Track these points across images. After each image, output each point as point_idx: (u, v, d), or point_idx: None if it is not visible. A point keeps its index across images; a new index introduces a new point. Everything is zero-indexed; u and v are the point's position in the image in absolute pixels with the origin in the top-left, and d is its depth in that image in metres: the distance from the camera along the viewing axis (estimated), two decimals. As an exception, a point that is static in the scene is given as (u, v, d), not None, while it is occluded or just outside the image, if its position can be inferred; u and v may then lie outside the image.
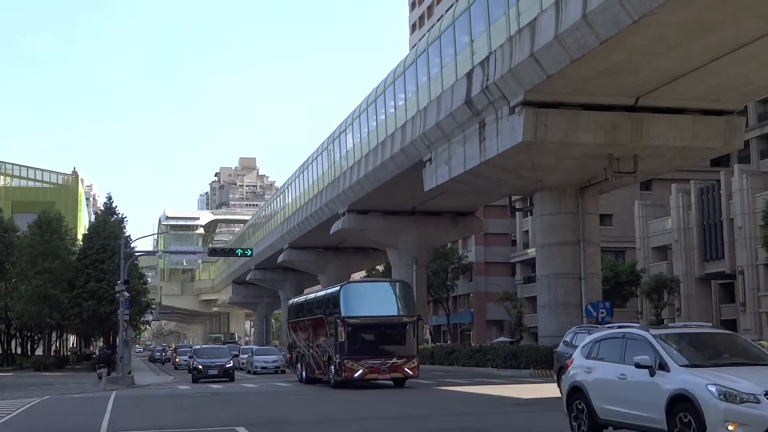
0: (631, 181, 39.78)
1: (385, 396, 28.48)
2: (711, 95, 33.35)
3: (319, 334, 35.15)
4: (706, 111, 34.78)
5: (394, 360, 32.09)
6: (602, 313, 38.63)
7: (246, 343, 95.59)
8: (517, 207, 52.80)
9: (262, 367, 52.43)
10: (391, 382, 33.06)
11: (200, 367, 44.22)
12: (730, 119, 35.48)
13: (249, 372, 53.42)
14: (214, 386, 37.99)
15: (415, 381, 33.90)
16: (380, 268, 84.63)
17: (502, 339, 72.00)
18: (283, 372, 50.04)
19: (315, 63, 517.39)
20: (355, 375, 31.75)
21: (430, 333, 78.80)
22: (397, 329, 32.73)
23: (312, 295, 39.83)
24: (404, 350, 32.57)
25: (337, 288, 33.82)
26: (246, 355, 58.70)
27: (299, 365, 38.97)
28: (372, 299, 33.22)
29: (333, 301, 33.59)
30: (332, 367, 32.74)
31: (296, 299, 43.42)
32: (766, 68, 30.44)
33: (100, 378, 41.57)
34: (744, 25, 25.93)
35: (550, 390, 26.43)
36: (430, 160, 42.62)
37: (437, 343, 75.63)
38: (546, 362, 37.24)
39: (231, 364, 44.98)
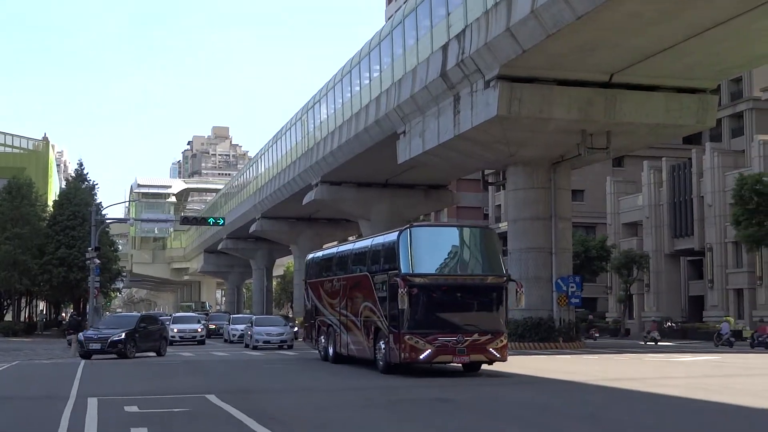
0: (604, 157, 40.02)
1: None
2: (685, 73, 33.57)
3: (360, 299, 26.34)
4: (679, 89, 35.01)
5: (476, 336, 23.16)
6: (572, 287, 38.99)
7: (217, 312, 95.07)
8: (490, 181, 52.91)
9: (265, 342, 43.05)
10: (460, 366, 25.11)
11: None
12: (702, 97, 35.74)
13: (247, 346, 44.39)
14: (186, 354, 37.97)
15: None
16: (352, 239, 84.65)
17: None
18: (290, 347, 42.62)
19: (290, 32, 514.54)
20: (421, 356, 22.84)
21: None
22: (480, 294, 23.88)
23: (348, 246, 31.03)
24: (489, 323, 23.59)
25: (395, 234, 24.31)
26: (240, 326, 50.60)
27: (322, 338, 30.47)
28: (446, 252, 24.62)
29: (387, 252, 24.88)
30: (381, 344, 24.20)
31: (321, 252, 34.52)
32: (739, 47, 30.69)
33: (70, 344, 41.43)
34: (719, 4, 26.10)
35: (513, 361, 26.66)
36: (404, 132, 42.63)
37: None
38: (516, 334, 37.51)
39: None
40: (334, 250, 32.26)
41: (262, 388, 21.32)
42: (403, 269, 23.01)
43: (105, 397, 18.45)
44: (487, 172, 50.52)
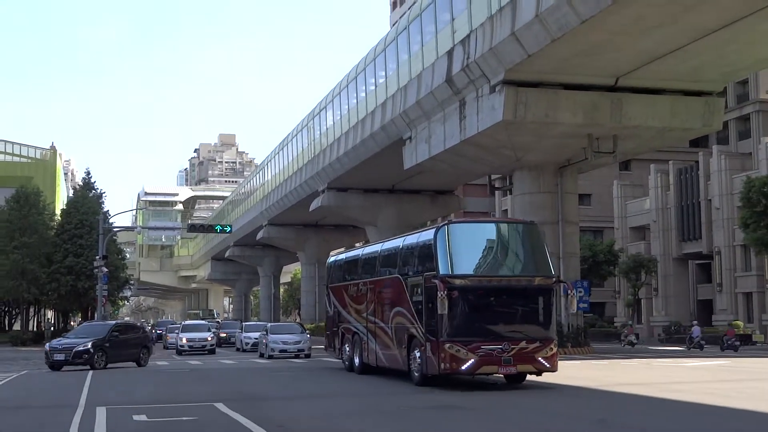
0: (610, 161, 39.95)
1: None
2: (691, 76, 33.49)
3: (390, 304, 24.27)
4: (685, 92, 34.92)
5: (523, 344, 20.87)
6: (580, 292, 38.88)
7: (225, 319, 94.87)
8: (496, 186, 52.83)
9: (281, 351, 39.82)
10: (501, 377, 22.70)
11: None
12: (709, 100, 35.64)
13: (262, 355, 41.45)
14: (193, 362, 37.97)
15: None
16: (359, 245, 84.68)
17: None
18: (307, 356, 39.49)
19: (296, 40, 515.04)
20: (462, 367, 20.49)
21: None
22: (527, 297, 21.67)
23: (375, 247, 28.40)
24: (537, 329, 21.37)
25: (431, 232, 22.12)
26: (253, 334, 47.66)
27: (347, 347, 28.22)
28: (488, 250, 22.49)
29: (422, 252, 22.71)
30: (416, 353, 21.94)
31: (344, 254, 32.15)
32: (745, 49, 30.61)
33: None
34: (724, 5, 26.04)
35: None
36: (410, 138, 42.61)
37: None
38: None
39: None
40: (359, 251, 29.96)
41: (281, 398, 21.22)
42: (442, 270, 20.81)
43: (113, 406, 18.46)
44: (493, 177, 50.48)
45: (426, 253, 22.14)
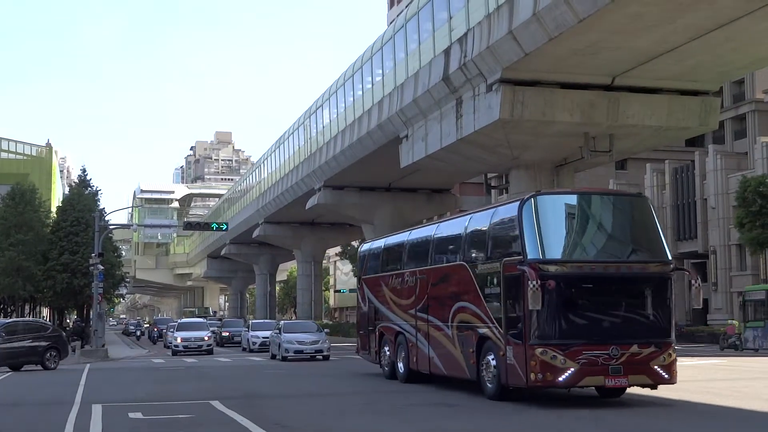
0: (607, 160, 39.93)
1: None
2: (687, 75, 33.49)
3: (451, 298, 20.08)
4: (682, 91, 34.92)
5: (635, 349, 16.63)
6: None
7: (221, 318, 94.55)
8: (492, 184, 52.95)
9: (296, 351, 36.23)
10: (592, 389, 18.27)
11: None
12: (705, 100, 35.66)
13: (273, 357, 38.07)
14: (189, 360, 37.94)
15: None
16: (356, 243, 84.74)
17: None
18: (326, 358, 36.40)
19: (292, 38, 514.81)
20: (560, 378, 16.32)
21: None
22: (639, 288, 17.29)
23: (427, 230, 23.58)
24: (651, 330, 17.08)
25: (515, 206, 17.73)
26: (262, 333, 44.95)
27: (387, 350, 24.39)
28: (588, 229, 18.07)
29: (500, 231, 18.37)
30: (491, 359, 17.81)
31: (383, 240, 27.37)
32: (742, 49, 30.60)
33: (74, 351, 41.50)
34: (721, 5, 26.03)
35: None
36: (406, 136, 42.59)
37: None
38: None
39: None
40: (404, 235, 25.02)
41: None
42: (531, 254, 16.58)
43: (109, 403, 18.47)
44: (490, 175, 50.55)
45: (505, 234, 17.93)
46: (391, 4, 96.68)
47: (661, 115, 34.92)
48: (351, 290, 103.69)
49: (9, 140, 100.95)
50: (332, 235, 76.96)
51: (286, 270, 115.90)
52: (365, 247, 28.85)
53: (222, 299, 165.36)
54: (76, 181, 79.27)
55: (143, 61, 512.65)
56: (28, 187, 67.86)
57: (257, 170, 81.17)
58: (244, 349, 46.62)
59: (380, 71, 45.06)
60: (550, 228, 17.23)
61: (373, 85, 46.26)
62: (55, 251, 61.93)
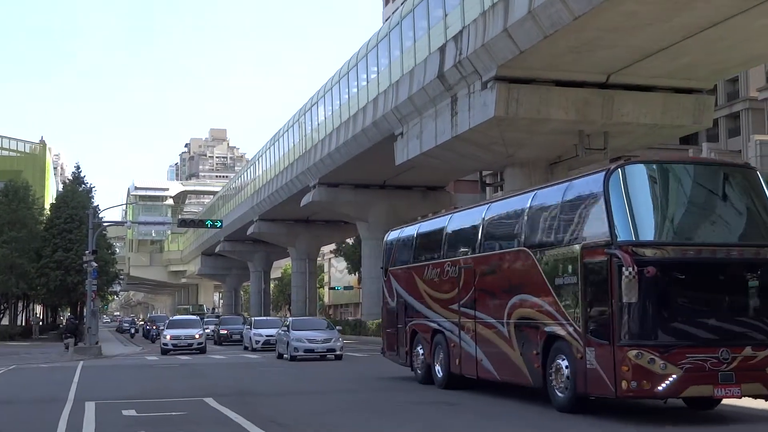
0: (602, 157, 39.88)
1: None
2: (682, 73, 33.51)
3: (508, 289, 17.36)
4: (676, 89, 34.95)
5: (748, 351, 13.82)
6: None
7: (219, 315, 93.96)
8: (487, 182, 52.73)
9: (307, 350, 33.92)
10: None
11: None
12: (699, 98, 35.70)
13: (280, 356, 35.78)
14: (183, 357, 37.89)
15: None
16: (350, 241, 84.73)
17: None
18: (338, 358, 34.00)
19: (288, 35, 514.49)
20: (659, 387, 13.51)
21: None
22: (753, 278, 14.31)
23: (475, 212, 20.16)
24: (767, 329, 14.18)
25: (598, 177, 14.98)
26: (265, 331, 42.72)
27: (420, 350, 21.73)
28: (689, 206, 15.26)
29: (577, 209, 15.54)
30: (563, 363, 15.14)
31: (414, 226, 24.42)
32: (737, 47, 30.62)
33: (67, 348, 41.41)
34: (717, 3, 26.03)
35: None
36: (401, 134, 42.57)
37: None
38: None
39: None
40: (443, 220, 22.04)
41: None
42: (622, 235, 13.93)
43: (103, 400, 18.42)
44: (484, 173, 50.44)
45: (584, 212, 15.25)
46: (386, 2, 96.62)
47: (655, 113, 34.96)
48: (346, 288, 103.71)
49: (3, 137, 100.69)
50: (327, 232, 76.93)
51: (281, 267, 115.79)
52: (393, 235, 25.23)
53: (216, 296, 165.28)
54: (70, 178, 79.11)
55: (138, 59, 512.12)
56: (22, 184, 67.73)
57: (252, 167, 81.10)
58: (245, 348, 44.59)
59: (375, 69, 45.03)
60: (643, 204, 14.47)
61: (368, 82, 46.24)
62: (48, 248, 61.82)
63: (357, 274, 79.60)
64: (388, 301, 24.27)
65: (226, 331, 52.90)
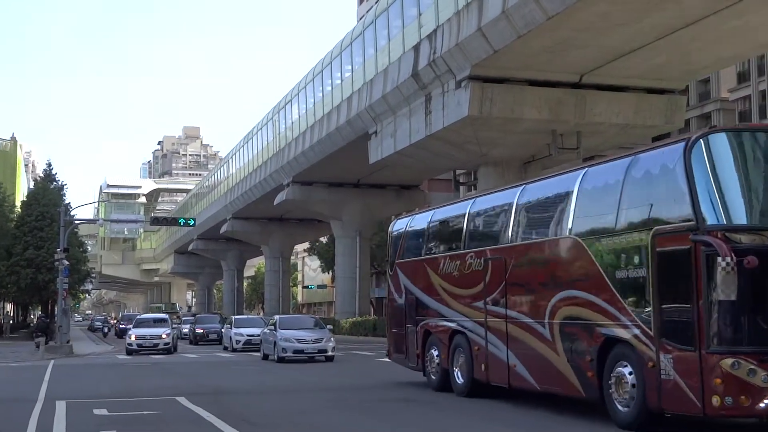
0: (574, 157, 40.06)
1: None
2: (654, 74, 33.74)
3: (552, 284, 15.03)
4: (648, 89, 35.19)
5: None
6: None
7: (195, 314, 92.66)
8: (461, 181, 52.88)
9: (296, 351, 31.45)
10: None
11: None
12: (671, 98, 35.97)
13: (266, 357, 33.41)
14: (155, 357, 37.72)
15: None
16: (324, 239, 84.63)
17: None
18: (329, 359, 31.34)
19: (261, 32, 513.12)
20: (761, 403, 11.19)
21: (372, 304, 78.90)
22: None
23: (506, 194, 17.52)
24: None
25: (677, 149, 12.32)
26: (247, 330, 40.59)
27: (434, 353, 19.20)
28: None
29: (647, 187, 13.16)
30: (625, 371, 12.89)
31: (427, 212, 21.58)
32: (708, 48, 30.88)
33: (38, 347, 41.12)
34: (688, 5, 26.24)
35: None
36: (375, 132, 42.57)
37: (379, 316, 75.93)
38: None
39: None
40: (465, 205, 19.21)
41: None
42: (710, 218, 11.61)
43: (74, 399, 18.29)
44: (458, 172, 50.55)
45: (657, 191, 12.76)
46: (361, 0, 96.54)
47: (627, 113, 35.19)
48: (319, 286, 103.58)
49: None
50: (301, 231, 76.86)
51: (254, 266, 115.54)
52: (400, 223, 22.62)
53: (189, 295, 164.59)
54: (42, 175, 78.44)
55: (110, 55, 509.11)
56: (-7, 181, 67.13)
57: (225, 165, 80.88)
58: (225, 348, 41.96)
59: (349, 67, 45.02)
60: (732, 180, 12.05)
61: (342, 81, 46.21)
62: (19, 246, 61.32)
63: (330, 272, 79.51)
64: (394, 298, 21.70)
65: (202, 330, 50.66)
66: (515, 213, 16.45)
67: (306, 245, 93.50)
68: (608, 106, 34.82)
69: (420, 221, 21.36)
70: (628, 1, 25.94)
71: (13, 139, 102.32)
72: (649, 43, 29.65)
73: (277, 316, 36.13)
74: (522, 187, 16.88)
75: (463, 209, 18.98)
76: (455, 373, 18.23)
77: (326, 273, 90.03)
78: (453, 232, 19.35)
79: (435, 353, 19.22)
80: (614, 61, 31.81)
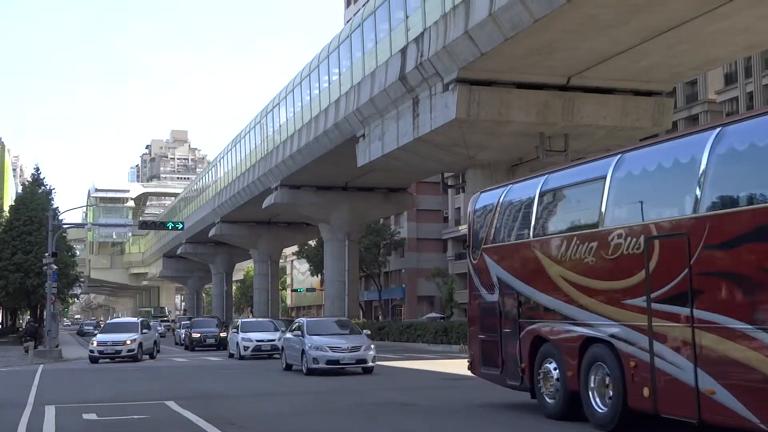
0: (562, 159, 40.12)
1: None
2: (641, 76, 33.87)
3: None
4: (636, 91, 35.32)
5: None
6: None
7: (191, 318, 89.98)
8: (449, 184, 52.96)
9: (330, 362, 25.54)
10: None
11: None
12: (659, 100, 36.10)
13: (289, 368, 28.30)
14: (147, 361, 37.61)
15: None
16: (313, 242, 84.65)
17: (432, 315, 72.59)
18: (369, 371, 25.81)
19: (249, 36, 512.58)
20: None
21: (361, 308, 78.98)
22: None
23: (697, 137, 11.73)
24: None
25: None
26: (256, 335, 36.57)
27: (554, 369, 14.27)
28: None
29: None
30: None
31: (540, 179, 15.54)
32: (695, 50, 31.01)
33: (27, 351, 40.97)
34: (674, 7, 26.36)
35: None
36: (363, 135, 42.61)
37: (368, 319, 76.05)
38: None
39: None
40: (604, 163, 13.89)
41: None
42: None
43: (63, 404, 18.25)
44: (446, 174, 50.65)
45: None
46: (348, 3, 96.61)
47: (615, 115, 35.30)
48: (308, 290, 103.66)
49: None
50: (289, 234, 76.86)
51: (243, 269, 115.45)
52: (489, 196, 17.03)
53: (178, 299, 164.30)
54: (29, 179, 78.27)
55: (98, 59, 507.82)
56: (-20, 186, 66.93)
57: (213, 169, 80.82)
58: (231, 356, 37.71)
59: (337, 70, 45.05)
60: None
61: (330, 84, 46.23)
62: (7, 251, 61.11)
63: (319, 275, 79.55)
64: (481, 294, 16.50)
65: (199, 335, 47.26)
66: (705, 170, 11.21)
67: (295, 248, 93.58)
68: (596, 108, 34.93)
69: (524, 191, 15.86)
70: (615, 3, 26.03)
71: (1, 144, 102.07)
72: (637, 45, 29.77)
73: (303, 319, 29.64)
74: (717, 130, 11.33)
75: (601, 170, 13.69)
76: (592, 398, 13.19)
77: (315, 276, 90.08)
78: (583, 202, 14.27)
79: (553, 368, 14.23)
80: (602, 63, 31.92)
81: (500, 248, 15.94)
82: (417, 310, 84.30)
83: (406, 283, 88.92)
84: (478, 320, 16.70)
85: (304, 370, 26.18)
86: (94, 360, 36.41)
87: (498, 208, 16.24)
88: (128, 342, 36.55)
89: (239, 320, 41.00)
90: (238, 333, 37.30)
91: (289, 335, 29.03)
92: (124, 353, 36.36)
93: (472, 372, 17.03)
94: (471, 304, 17.21)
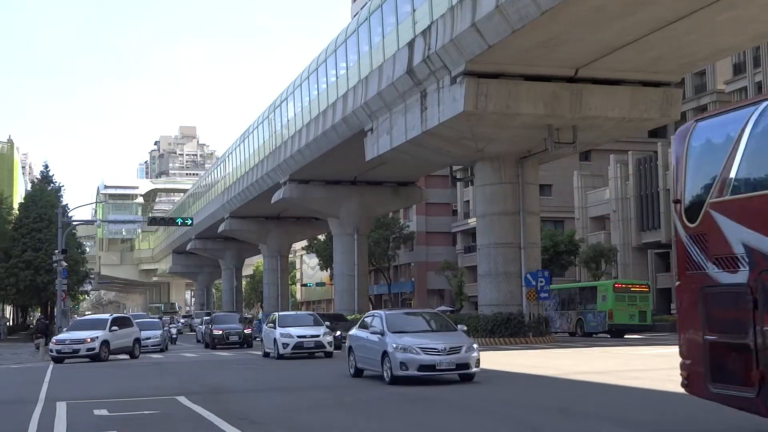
0: (571, 151, 40.19)
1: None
2: (649, 67, 33.78)
3: None
4: (644, 82, 35.23)
5: None
6: (541, 282, 39.08)
7: (187, 313, 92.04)
8: (458, 177, 53.08)
9: (424, 367, 19.43)
10: None
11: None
12: (667, 91, 36.00)
13: (357, 373, 22.32)
14: (155, 356, 37.71)
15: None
16: (322, 237, 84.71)
17: (442, 308, 72.58)
18: (468, 378, 20.17)
19: (256, 31, 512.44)
20: None
21: (371, 302, 79.00)
22: None
23: None
24: None
25: None
26: (296, 330, 32.10)
27: None
28: None
29: None
30: None
31: None
32: (703, 40, 30.91)
33: (38, 348, 41.10)
34: (682, -3, 26.30)
35: (487, 357, 26.70)
36: (371, 129, 42.61)
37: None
38: (486, 330, 37.64)
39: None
40: None
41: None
42: None
43: (74, 400, 18.28)
44: (455, 168, 50.69)
45: None
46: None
47: (623, 107, 35.22)
48: (318, 284, 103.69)
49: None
50: (298, 229, 76.93)
51: (252, 264, 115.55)
52: (721, 123, 10.94)
53: (188, 294, 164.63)
54: (39, 177, 78.58)
55: (106, 56, 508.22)
56: (-11, 184, 67.17)
57: (222, 165, 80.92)
58: (266, 354, 33.51)
59: (344, 64, 45.04)
60: None
61: (337, 78, 46.24)
62: (17, 248, 61.35)
63: (329, 270, 79.58)
64: (708, 274, 10.74)
65: (221, 332, 43.58)
66: None
67: (304, 243, 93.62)
68: (604, 99, 34.86)
69: None
70: (621, -6, 26.00)
71: (10, 141, 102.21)
72: (644, 36, 29.69)
73: (381, 312, 22.41)
74: None
75: None
76: None
77: (325, 271, 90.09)
78: None
79: None
80: (610, 55, 31.85)
81: (750, 201, 10.04)
82: (426, 304, 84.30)
83: (415, 277, 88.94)
84: (704, 314, 10.68)
85: (387, 378, 20.17)
86: (57, 360, 33.89)
87: (744, 141, 10.21)
88: (88, 340, 33.79)
89: (276, 313, 36.46)
90: (275, 328, 32.67)
91: (359, 332, 22.70)
92: (82, 352, 33.69)
93: (690, 391, 11.19)
94: (685, 290, 11.43)
